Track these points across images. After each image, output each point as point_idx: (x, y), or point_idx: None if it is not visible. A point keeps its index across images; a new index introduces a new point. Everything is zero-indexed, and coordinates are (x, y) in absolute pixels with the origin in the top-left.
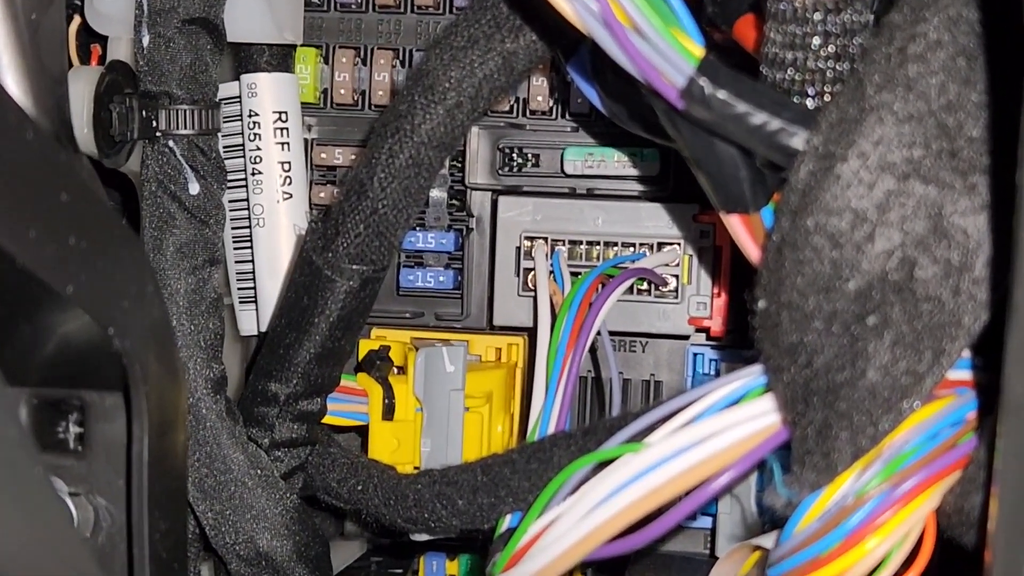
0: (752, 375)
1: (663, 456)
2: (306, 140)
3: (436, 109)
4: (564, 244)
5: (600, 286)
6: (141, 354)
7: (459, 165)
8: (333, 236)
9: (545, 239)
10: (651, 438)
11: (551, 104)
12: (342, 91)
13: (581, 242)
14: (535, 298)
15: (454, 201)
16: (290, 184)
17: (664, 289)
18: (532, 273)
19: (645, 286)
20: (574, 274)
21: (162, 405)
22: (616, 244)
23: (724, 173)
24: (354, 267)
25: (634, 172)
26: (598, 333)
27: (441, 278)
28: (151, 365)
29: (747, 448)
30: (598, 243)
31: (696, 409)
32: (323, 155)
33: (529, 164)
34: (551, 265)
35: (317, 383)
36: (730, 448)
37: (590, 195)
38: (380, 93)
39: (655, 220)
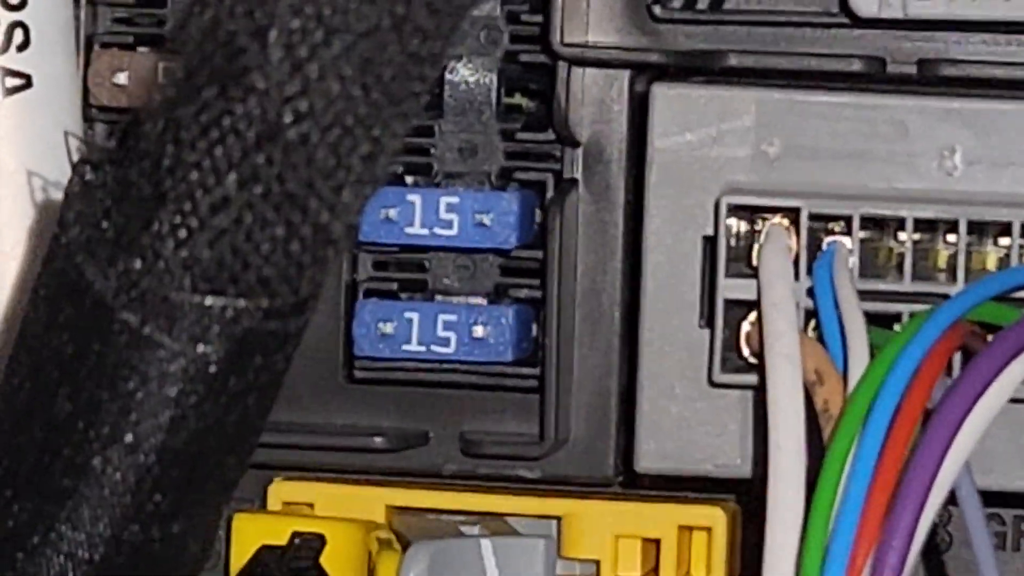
0: None
1: None
2: None
3: None
4: (850, 229)
5: (956, 354)
6: None
7: None
8: (148, 210)
9: (793, 214)
10: None
11: None
12: None
13: (899, 223)
14: (761, 389)
15: (520, 100)
16: (26, 47)
17: None
18: (751, 317)
19: None
20: (876, 318)
21: None
22: (1007, 228)
23: None
24: (210, 301)
25: None
26: (951, 499)
27: (479, 329)
28: None
29: None
30: (950, 226)
31: None
32: None
33: None
34: (813, 292)
35: None
36: None
37: (927, 82)
38: None
39: None
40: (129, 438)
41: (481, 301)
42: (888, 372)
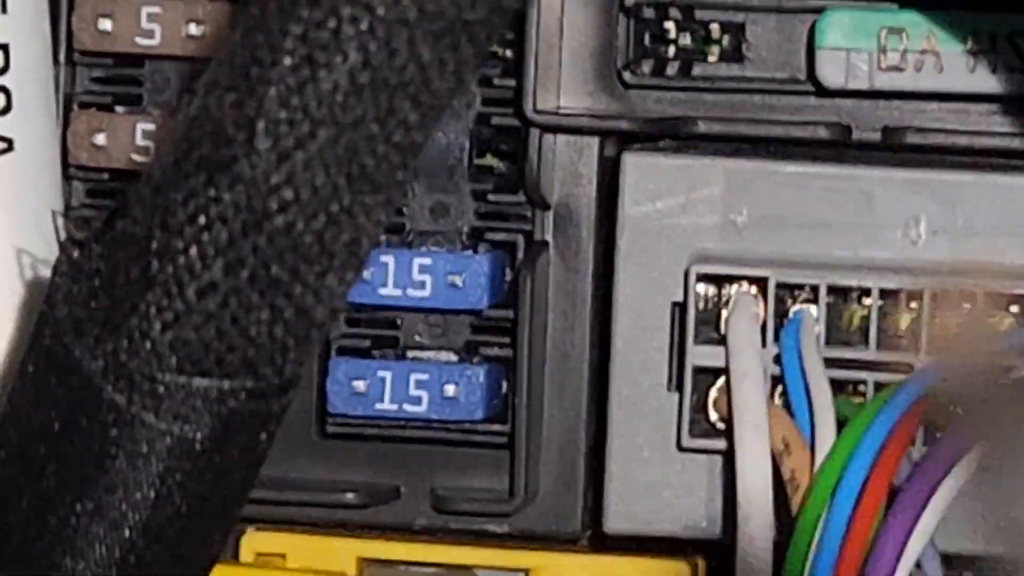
0: None
1: None
2: None
3: None
4: (816, 299)
5: (918, 429)
6: None
7: (506, 59)
8: (136, 292)
9: (761, 283)
10: None
11: None
12: None
13: (865, 291)
14: (729, 455)
15: (492, 161)
16: (8, 111)
17: None
18: (719, 383)
19: None
20: (842, 384)
21: None
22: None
23: None
24: (196, 382)
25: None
26: (917, 565)
27: (451, 389)
28: None
29: None
30: (914, 299)
31: None
32: (104, 24)
33: (712, 53)
34: (780, 362)
35: None
36: None
37: (892, 148)
38: None
39: None
40: (114, 514)
41: (452, 357)
42: (854, 448)
